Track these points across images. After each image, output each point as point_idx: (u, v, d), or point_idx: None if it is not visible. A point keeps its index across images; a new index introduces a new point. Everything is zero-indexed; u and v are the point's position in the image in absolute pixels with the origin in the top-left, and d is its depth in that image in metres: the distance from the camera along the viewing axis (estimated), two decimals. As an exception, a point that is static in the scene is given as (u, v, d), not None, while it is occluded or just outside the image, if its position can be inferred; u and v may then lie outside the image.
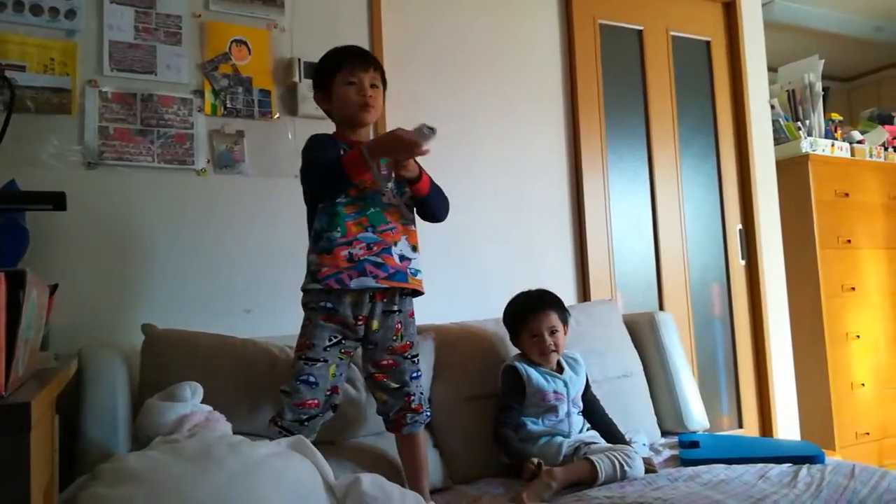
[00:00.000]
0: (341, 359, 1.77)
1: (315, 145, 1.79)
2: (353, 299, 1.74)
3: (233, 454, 1.27)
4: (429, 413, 1.86)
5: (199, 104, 2.26)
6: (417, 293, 1.85)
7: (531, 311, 2.14)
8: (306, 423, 1.69)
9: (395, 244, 1.77)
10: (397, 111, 2.57)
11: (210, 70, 2.29)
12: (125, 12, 2.18)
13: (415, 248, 1.82)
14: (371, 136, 1.92)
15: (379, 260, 1.73)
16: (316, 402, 1.69)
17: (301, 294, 1.78)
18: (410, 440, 1.85)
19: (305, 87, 2.37)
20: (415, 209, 1.87)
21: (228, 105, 2.30)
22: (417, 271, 1.81)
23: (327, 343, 1.72)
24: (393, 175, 1.79)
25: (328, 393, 1.73)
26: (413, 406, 1.81)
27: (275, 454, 1.33)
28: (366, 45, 2.53)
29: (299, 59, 2.38)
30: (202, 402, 1.64)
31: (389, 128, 2.51)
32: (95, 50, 2.14)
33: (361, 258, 1.71)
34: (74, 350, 1.79)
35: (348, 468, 1.85)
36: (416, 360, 1.84)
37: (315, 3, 2.48)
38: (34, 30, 2.06)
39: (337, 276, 1.70)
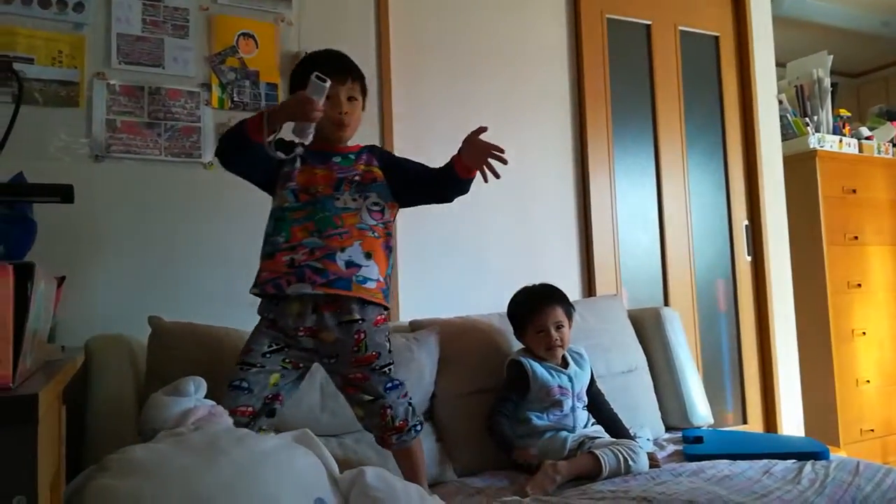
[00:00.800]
0: (285, 367, 1.66)
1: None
2: (297, 309, 1.64)
3: (239, 447, 1.28)
4: (419, 423, 1.75)
5: (206, 97, 2.26)
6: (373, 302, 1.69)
7: (537, 307, 2.14)
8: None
9: (343, 250, 1.64)
10: (404, 105, 2.57)
11: (217, 63, 2.29)
12: (133, 5, 2.19)
13: (369, 256, 1.67)
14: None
15: (319, 265, 1.62)
16: (249, 409, 1.59)
17: None
18: (404, 451, 1.74)
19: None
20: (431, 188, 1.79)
21: (235, 98, 2.30)
22: (367, 279, 1.66)
23: (266, 349, 1.64)
24: (310, 139, 1.67)
25: (267, 400, 1.63)
26: (396, 424, 1.67)
27: (280, 447, 1.34)
28: (372, 40, 2.54)
29: (306, 53, 2.37)
30: (205, 397, 1.65)
31: (396, 126, 2.54)
32: (103, 43, 2.15)
33: (301, 263, 1.62)
34: (81, 342, 1.80)
35: (352, 461, 1.86)
36: (387, 370, 1.69)
37: (322, -3, 2.48)
38: (42, 23, 2.07)
39: (275, 282, 1.63)
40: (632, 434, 2.14)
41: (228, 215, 2.26)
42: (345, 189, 1.72)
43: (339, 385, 1.74)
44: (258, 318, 1.71)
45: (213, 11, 2.30)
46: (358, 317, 1.66)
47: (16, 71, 1.69)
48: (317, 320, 1.65)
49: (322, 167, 1.74)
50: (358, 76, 1.78)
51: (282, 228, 1.67)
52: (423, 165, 1.84)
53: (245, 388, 1.61)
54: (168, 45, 2.23)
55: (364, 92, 1.80)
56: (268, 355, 1.64)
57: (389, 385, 1.69)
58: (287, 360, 1.67)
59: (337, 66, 1.73)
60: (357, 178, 1.75)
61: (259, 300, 1.72)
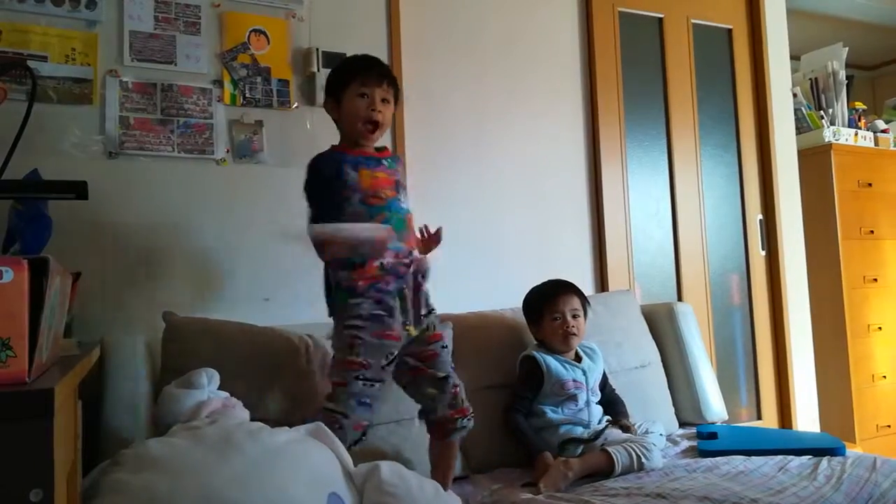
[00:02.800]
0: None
1: (312, 170, 1.77)
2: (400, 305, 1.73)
3: (252, 441, 1.28)
4: (472, 417, 1.82)
5: (218, 94, 2.27)
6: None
7: (554, 293, 2.16)
8: (354, 448, 1.65)
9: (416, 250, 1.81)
10: (416, 101, 2.56)
11: (229, 60, 2.30)
12: (145, 2, 2.19)
13: None
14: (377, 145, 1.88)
15: (407, 261, 1.75)
16: (366, 422, 1.68)
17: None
18: (449, 444, 1.82)
19: (324, 77, 2.35)
20: None
21: (247, 95, 2.31)
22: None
23: (384, 362, 1.69)
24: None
25: None
26: (465, 405, 1.79)
27: (294, 441, 1.34)
28: (383, 36, 2.54)
29: (318, 49, 2.38)
30: (218, 388, 1.66)
31: (406, 121, 2.53)
32: (116, 40, 2.15)
33: (391, 266, 1.72)
34: (97, 338, 1.81)
35: (366, 455, 1.86)
36: (448, 349, 1.83)
37: (333, -7, 2.48)
38: (55, 20, 2.07)
39: (376, 286, 1.70)
40: (641, 428, 2.13)
41: (241, 211, 2.26)
42: (401, 190, 1.82)
43: (409, 368, 1.77)
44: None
45: (225, 8, 2.30)
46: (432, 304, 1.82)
47: (30, 69, 1.70)
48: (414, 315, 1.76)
49: (377, 170, 1.79)
50: (393, 82, 1.84)
51: None
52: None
53: (368, 404, 1.67)
54: (180, 42, 2.23)
55: (397, 99, 1.86)
56: (385, 368, 1.70)
57: (452, 366, 1.81)
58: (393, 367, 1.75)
59: (377, 67, 1.82)
60: (402, 180, 1.85)
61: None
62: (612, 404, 2.19)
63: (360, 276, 1.69)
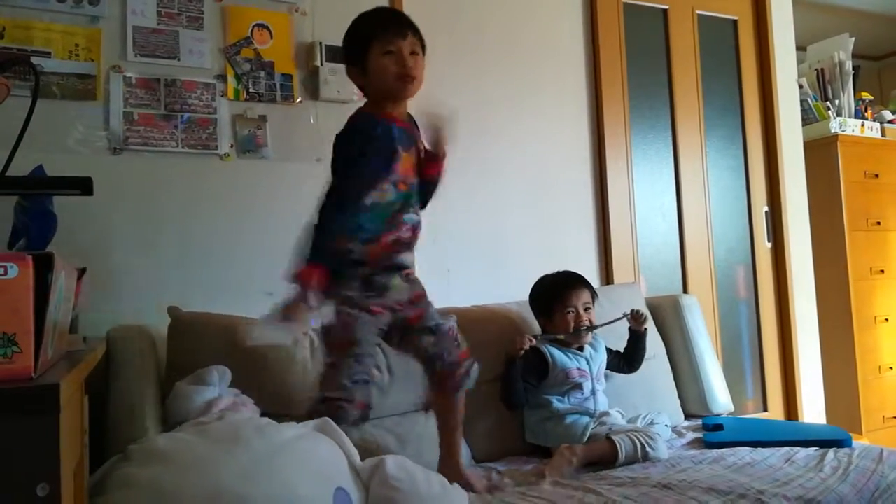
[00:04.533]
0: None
1: (363, 140, 1.63)
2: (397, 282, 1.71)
3: (258, 436, 1.28)
4: (476, 366, 1.78)
5: (221, 89, 2.27)
6: None
7: (567, 287, 2.16)
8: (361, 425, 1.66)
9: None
10: (420, 94, 2.55)
11: (232, 55, 2.29)
12: (148, -2, 2.19)
13: None
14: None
15: (416, 239, 1.75)
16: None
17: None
18: (457, 400, 1.79)
19: (327, 71, 2.37)
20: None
21: (251, 90, 2.31)
22: None
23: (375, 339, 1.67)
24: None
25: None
26: (465, 346, 1.76)
27: (300, 436, 1.34)
28: (387, 28, 2.53)
29: (321, 43, 2.37)
30: (229, 385, 1.67)
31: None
32: (119, 35, 2.15)
33: (405, 240, 1.71)
34: (103, 333, 1.82)
35: (371, 448, 1.86)
36: (432, 305, 1.79)
37: (336, -14, 2.47)
38: (59, 16, 2.08)
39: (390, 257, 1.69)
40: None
41: (245, 205, 2.27)
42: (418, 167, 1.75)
43: (400, 328, 1.72)
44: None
45: (228, 3, 2.30)
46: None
47: (33, 65, 1.70)
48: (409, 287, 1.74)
49: (412, 150, 1.72)
50: (417, 32, 1.71)
51: (382, 218, 1.65)
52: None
53: (366, 380, 1.62)
54: (183, 37, 2.23)
55: (424, 47, 1.72)
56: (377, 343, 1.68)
57: (441, 317, 1.78)
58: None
59: (397, 19, 1.71)
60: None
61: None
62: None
63: (373, 250, 1.65)
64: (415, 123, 1.78)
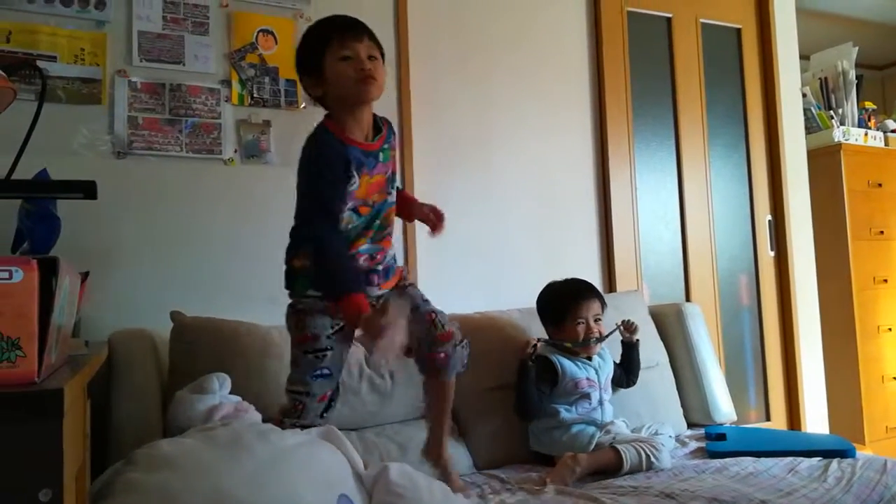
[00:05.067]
0: (345, 342, 1.67)
1: (322, 163, 1.59)
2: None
3: (262, 442, 1.28)
4: (467, 345, 1.75)
5: (226, 94, 2.27)
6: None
7: (578, 297, 2.15)
8: (325, 416, 1.63)
9: (391, 247, 1.73)
10: (424, 102, 2.56)
11: (237, 60, 2.30)
12: (154, 2, 2.20)
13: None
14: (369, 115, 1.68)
15: (380, 268, 1.69)
16: (328, 392, 1.62)
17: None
18: (443, 385, 1.76)
19: (331, 77, 2.37)
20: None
21: (255, 95, 2.31)
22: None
23: (330, 331, 1.61)
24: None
25: (340, 379, 1.67)
26: (446, 329, 1.70)
27: (304, 443, 1.34)
28: (390, 35, 2.53)
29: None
30: (230, 392, 1.66)
31: (414, 122, 2.52)
32: (125, 40, 2.16)
33: (367, 270, 1.67)
34: (105, 337, 1.82)
35: (375, 456, 1.86)
36: (416, 288, 1.78)
37: (341, -8, 2.47)
38: (64, 21, 2.08)
39: None
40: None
41: (248, 211, 2.26)
42: (390, 187, 1.71)
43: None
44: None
45: (233, 8, 2.31)
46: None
47: (39, 69, 1.71)
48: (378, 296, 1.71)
49: (374, 173, 1.65)
50: (373, 36, 1.64)
51: (346, 242, 1.63)
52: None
53: (328, 374, 1.61)
54: (188, 42, 2.23)
55: (383, 54, 1.66)
56: (332, 336, 1.62)
57: (425, 298, 1.75)
58: (345, 334, 1.65)
59: (351, 24, 1.64)
60: (393, 172, 1.73)
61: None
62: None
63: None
64: (387, 125, 1.73)
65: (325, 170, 1.58)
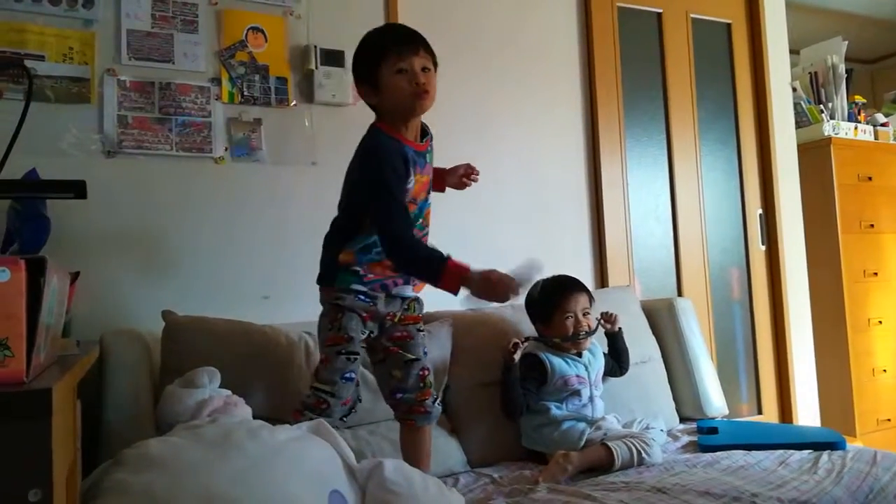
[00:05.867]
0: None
1: (388, 167, 1.61)
2: (398, 304, 1.76)
3: (252, 439, 1.28)
4: (441, 404, 1.83)
5: (216, 92, 2.27)
6: None
7: (567, 292, 2.16)
8: (345, 419, 1.69)
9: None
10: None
11: (227, 58, 2.29)
12: (142, 1, 2.19)
13: None
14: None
15: None
16: (350, 398, 1.68)
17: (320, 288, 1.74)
18: (419, 431, 1.79)
19: (322, 75, 2.37)
20: None
21: (245, 93, 2.30)
22: None
23: (362, 337, 1.68)
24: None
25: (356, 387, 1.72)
26: (428, 388, 1.75)
27: (295, 439, 1.34)
28: (381, 32, 2.53)
29: (315, 47, 2.37)
30: (220, 386, 1.66)
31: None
32: (113, 39, 2.15)
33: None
34: (96, 337, 1.81)
35: (368, 454, 1.86)
36: (424, 334, 1.82)
37: (331, -10, 2.47)
38: (52, 19, 2.07)
39: (382, 282, 1.70)
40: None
41: (239, 209, 2.26)
42: (430, 188, 1.78)
43: (381, 349, 1.76)
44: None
45: (222, 6, 2.30)
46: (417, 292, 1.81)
47: (27, 68, 1.70)
48: (401, 304, 1.76)
49: (423, 173, 1.72)
50: (429, 48, 1.69)
51: None
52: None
53: (353, 378, 1.66)
54: (178, 41, 2.23)
55: (436, 65, 1.70)
56: (362, 343, 1.69)
57: (425, 350, 1.79)
58: (369, 346, 1.76)
59: (407, 36, 1.67)
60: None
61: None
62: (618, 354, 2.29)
63: (370, 269, 1.68)
64: (428, 134, 1.77)
65: (390, 165, 1.62)
